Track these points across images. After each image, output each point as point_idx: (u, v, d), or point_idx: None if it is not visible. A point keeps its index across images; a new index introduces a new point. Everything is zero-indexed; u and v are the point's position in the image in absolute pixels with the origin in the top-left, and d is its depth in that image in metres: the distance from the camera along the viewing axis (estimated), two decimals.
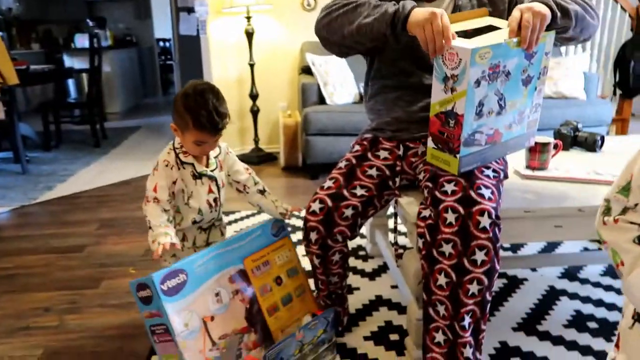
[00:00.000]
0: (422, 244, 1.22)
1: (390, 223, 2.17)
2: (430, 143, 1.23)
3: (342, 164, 1.42)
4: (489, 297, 1.19)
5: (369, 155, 1.42)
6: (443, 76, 1.11)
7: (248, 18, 3.65)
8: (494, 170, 1.30)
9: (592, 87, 3.55)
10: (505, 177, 1.39)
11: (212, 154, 1.44)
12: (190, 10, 4.55)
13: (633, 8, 4.40)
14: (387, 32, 1.20)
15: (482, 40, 1.09)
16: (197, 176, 1.41)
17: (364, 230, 2.36)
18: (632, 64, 4.30)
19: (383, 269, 2.02)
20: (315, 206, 1.35)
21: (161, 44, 8.48)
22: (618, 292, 1.81)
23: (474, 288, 1.16)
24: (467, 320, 1.18)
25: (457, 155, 1.15)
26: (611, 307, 1.72)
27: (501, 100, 1.15)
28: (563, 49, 4.24)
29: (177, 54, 6.32)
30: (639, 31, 4.42)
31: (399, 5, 1.18)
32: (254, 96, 3.86)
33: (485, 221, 1.13)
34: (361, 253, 2.18)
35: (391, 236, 1.94)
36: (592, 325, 1.62)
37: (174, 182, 1.38)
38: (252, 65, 3.78)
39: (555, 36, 1.21)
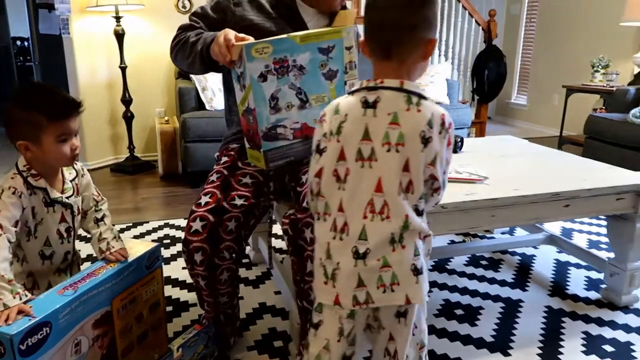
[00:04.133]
0: (288, 240, 1.25)
1: (275, 229, 2.16)
2: (246, 143, 1.29)
3: (213, 177, 1.38)
4: None
5: (240, 164, 1.40)
6: (237, 76, 1.19)
7: (117, 18, 3.43)
8: None
9: (454, 92, 3.90)
10: None
11: (68, 176, 1.28)
12: (50, 7, 4.16)
13: (485, 22, 4.92)
14: (206, 65, 1.32)
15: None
16: (50, 203, 1.22)
17: None
18: (486, 73, 4.81)
19: (267, 275, 2.01)
20: (197, 225, 1.27)
21: (18, 43, 7.63)
22: (480, 279, 2.00)
23: None
24: None
25: (261, 150, 1.20)
26: (474, 293, 1.89)
27: (301, 94, 1.21)
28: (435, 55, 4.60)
29: (38, 54, 5.74)
30: (491, 43, 4.96)
31: (201, 43, 1.31)
32: (127, 101, 3.64)
33: None
34: (245, 261, 2.15)
35: (275, 242, 1.93)
36: (459, 312, 1.76)
37: (23, 211, 1.15)
38: (123, 69, 3.55)
39: None
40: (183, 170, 3.50)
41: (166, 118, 3.74)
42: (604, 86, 3.87)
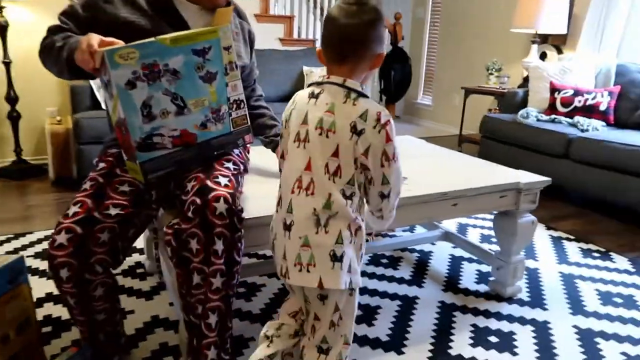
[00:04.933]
0: (171, 252, 1.19)
1: None
2: (123, 155, 1.21)
3: (86, 185, 1.27)
4: (232, 292, 1.22)
5: (118, 171, 1.30)
6: (104, 84, 1.13)
7: None
8: (234, 163, 1.34)
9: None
10: (245, 171, 1.43)
11: None
12: None
13: (391, 24, 5.06)
14: (74, 72, 1.24)
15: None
16: None
17: (141, 244, 2.21)
18: (392, 73, 4.97)
19: (163, 286, 1.91)
20: (62, 238, 1.15)
21: None
22: (380, 278, 2.03)
23: (217, 282, 1.17)
24: (213, 318, 1.19)
25: (137, 162, 1.14)
26: (373, 293, 1.92)
27: (177, 99, 1.16)
28: None
29: None
30: (397, 45, 5.12)
31: (67, 49, 1.22)
32: (12, 100, 3.31)
33: (221, 207, 1.14)
34: (139, 271, 2.03)
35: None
36: (357, 312, 1.77)
37: None
38: (7, 64, 3.23)
39: None
40: (78, 175, 3.25)
41: (59, 118, 3.45)
42: (497, 88, 4.12)
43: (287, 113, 1.08)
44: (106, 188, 1.26)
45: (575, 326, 1.74)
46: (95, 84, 3.13)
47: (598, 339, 1.67)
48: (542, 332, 1.70)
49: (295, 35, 4.47)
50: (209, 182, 1.19)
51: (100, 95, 3.13)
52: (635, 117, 3.16)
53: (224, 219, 1.14)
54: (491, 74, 4.26)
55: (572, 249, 2.42)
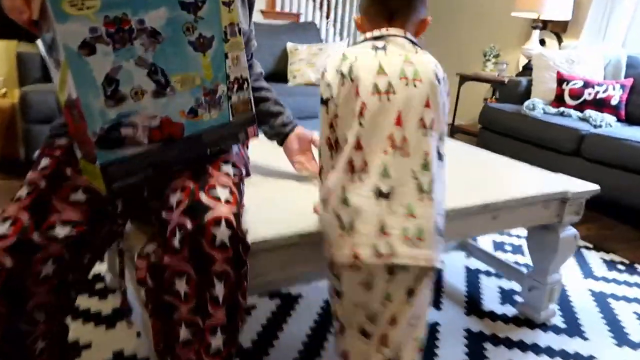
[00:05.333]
0: (146, 294, 0.84)
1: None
2: (76, 150, 0.83)
3: (22, 192, 0.89)
4: (234, 349, 0.87)
5: (68, 171, 0.92)
6: (47, 46, 0.75)
7: None
8: (234, 166, 0.97)
9: None
10: (247, 174, 1.07)
11: None
12: None
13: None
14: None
15: None
16: None
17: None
18: None
19: (127, 312, 1.53)
20: None
21: None
22: None
23: (217, 340, 0.82)
24: None
25: (97, 163, 0.76)
26: None
27: (156, 73, 0.78)
28: (323, 33, 4.27)
29: None
30: None
31: None
32: None
33: (222, 233, 0.80)
34: (98, 286, 1.64)
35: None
36: None
37: None
38: None
39: None
40: (26, 158, 2.79)
41: (4, 90, 2.97)
42: (495, 76, 3.85)
43: (346, 68, 0.88)
44: (51, 197, 0.89)
45: None
46: (42, 44, 2.66)
47: None
48: None
49: (278, 8, 4.05)
50: (203, 197, 0.83)
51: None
52: None
53: (226, 250, 0.79)
54: (488, 60, 3.98)
55: (595, 260, 2.17)
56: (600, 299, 1.83)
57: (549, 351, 1.49)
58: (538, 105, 3.07)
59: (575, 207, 1.50)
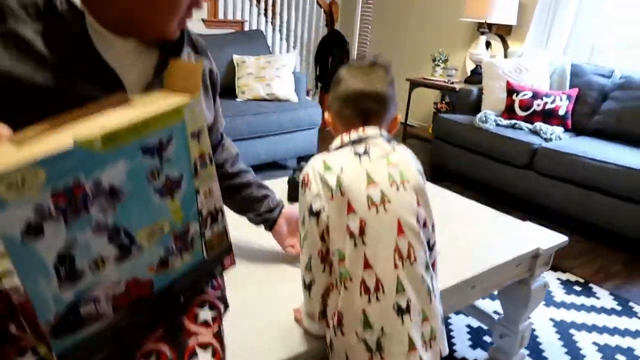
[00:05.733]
0: None
1: None
2: (25, 327, 0.66)
3: None
4: None
5: (13, 328, 0.79)
6: None
7: None
8: (211, 307, 0.84)
9: (302, 87, 3.51)
10: (226, 306, 0.93)
11: None
12: None
13: (326, 3, 4.59)
14: None
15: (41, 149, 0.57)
16: None
17: None
18: (330, 59, 4.54)
19: None
20: None
21: None
22: None
23: None
24: None
25: (52, 354, 0.63)
26: None
27: (118, 235, 0.66)
28: (269, 39, 4.12)
29: None
30: (333, 27, 4.67)
31: None
32: None
33: None
34: None
35: None
36: None
37: None
38: None
39: None
40: None
41: None
42: (445, 82, 3.86)
43: (333, 181, 0.86)
44: None
45: None
46: None
47: None
48: None
49: (221, 16, 3.85)
50: None
51: None
52: (593, 123, 3.05)
53: None
54: (437, 65, 3.98)
55: (553, 282, 2.23)
56: (563, 331, 1.88)
57: None
58: (490, 118, 3.10)
59: (545, 259, 1.51)
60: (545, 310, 2.00)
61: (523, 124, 3.04)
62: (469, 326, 1.87)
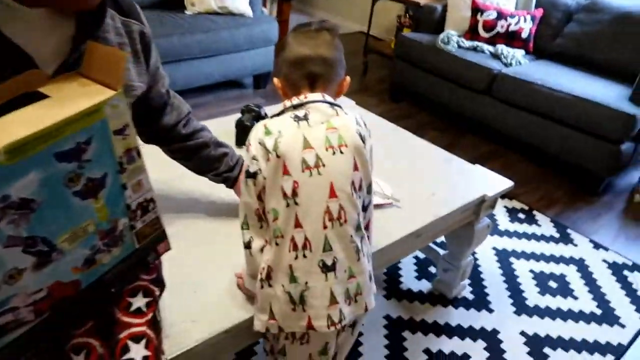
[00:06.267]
0: None
1: None
2: None
3: None
4: None
5: None
6: None
7: None
8: (145, 293, 0.83)
9: (257, 1, 3.26)
10: (162, 289, 0.92)
11: None
12: None
13: None
14: None
15: None
16: None
17: None
18: None
19: None
20: None
21: None
22: None
23: None
24: None
25: None
26: None
27: (35, 244, 0.62)
28: None
29: None
30: None
31: None
32: None
33: None
34: None
35: None
36: None
37: None
38: None
39: None
40: None
41: None
42: None
43: (271, 143, 0.89)
44: None
45: (522, 333, 1.67)
46: None
47: (547, 350, 1.61)
48: (494, 347, 1.60)
49: None
50: None
51: None
52: (554, 47, 3.01)
53: None
54: None
55: (499, 210, 2.33)
56: (503, 259, 2.01)
57: (459, 330, 1.64)
58: (452, 39, 3.01)
59: (491, 203, 1.56)
60: (490, 239, 2.11)
61: (485, 47, 2.97)
62: (416, 257, 1.96)
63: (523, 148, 2.89)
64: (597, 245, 2.15)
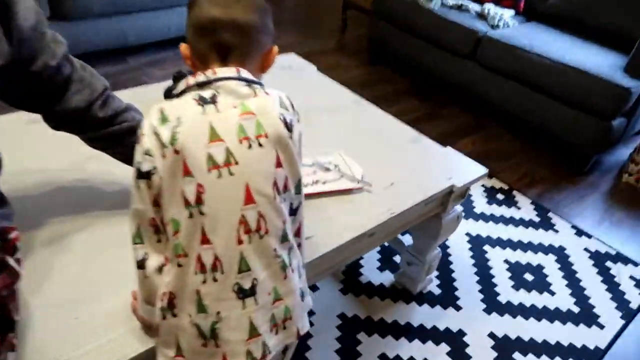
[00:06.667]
0: None
1: None
2: None
3: None
4: None
5: None
6: None
7: None
8: None
9: None
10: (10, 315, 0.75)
11: None
12: None
13: None
14: None
15: None
16: None
17: None
18: None
19: None
20: None
21: None
22: None
23: None
24: None
25: None
26: None
27: None
28: None
29: None
30: None
31: None
32: None
33: None
34: None
35: None
36: None
37: None
38: None
39: None
40: None
41: None
42: None
43: (167, 135, 0.69)
44: None
45: (491, 335, 1.50)
46: None
47: (517, 356, 1.45)
48: (458, 352, 1.43)
49: None
50: None
51: None
52: (547, 7, 2.73)
53: None
54: None
55: (476, 189, 2.13)
56: (477, 247, 1.82)
57: (421, 332, 1.47)
58: None
59: (461, 193, 1.35)
60: (463, 224, 1.92)
61: (471, 5, 2.69)
62: (380, 247, 1.77)
63: (508, 120, 2.66)
64: (579, 232, 1.97)
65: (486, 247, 1.83)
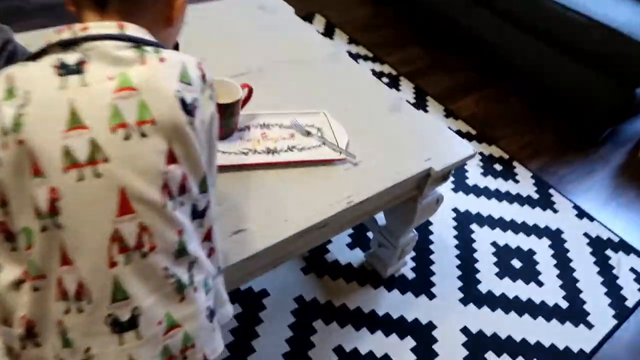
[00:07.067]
0: None
1: None
2: None
3: None
4: None
5: None
6: None
7: None
8: None
9: None
10: None
11: None
12: None
13: None
14: None
15: None
16: None
17: None
18: None
19: None
20: None
21: None
22: None
23: None
24: None
25: None
26: None
27: None
28: None
29: None
30: None
31: None
32: None
33: None
34: None
35: None
36: None
37: None
38: None
39: None
40: None
41: None
42: None
43: (10, 113, 0.50)
44: None
45: (464, 330, 1.34)
46: None
47: (489, 355, 1.30)
48: (424, 349, 1.28)
49: None
50: None
51: None
52: None
53: None
54: None
55: (472, 160, 1.90)
56: (464, 225, 1.63)
57: (386, 323, 1.31)
58: None
59: (443, 175, 1.14)
60: (453, 197, 1.72)
61: None
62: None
63: (517, 78, 2.38)
64: (581, 213, 1.77)
65: (473, 226, 1.64)
